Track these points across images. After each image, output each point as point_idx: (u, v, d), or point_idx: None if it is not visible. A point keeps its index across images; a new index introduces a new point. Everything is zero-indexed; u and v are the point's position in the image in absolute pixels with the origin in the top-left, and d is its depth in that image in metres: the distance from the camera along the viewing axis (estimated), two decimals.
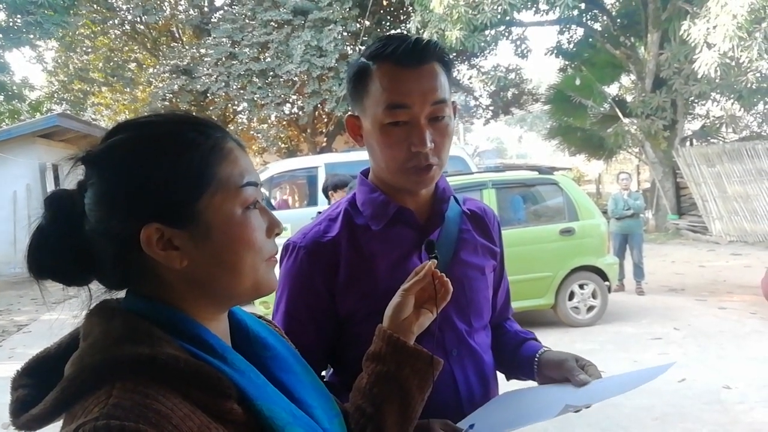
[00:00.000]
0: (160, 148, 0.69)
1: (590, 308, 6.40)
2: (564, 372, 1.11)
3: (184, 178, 0.68)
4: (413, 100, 1.04)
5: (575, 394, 1.06)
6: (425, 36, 12.41)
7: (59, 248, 0.68)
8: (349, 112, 1.16)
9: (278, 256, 0.78)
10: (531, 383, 1.22)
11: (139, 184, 0.67)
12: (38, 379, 0.67)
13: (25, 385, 0.67)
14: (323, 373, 1.24)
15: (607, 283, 6.43)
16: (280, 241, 1.28)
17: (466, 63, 19.21)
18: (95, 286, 0.72)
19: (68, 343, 0.71)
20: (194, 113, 0.77)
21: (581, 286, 6.35)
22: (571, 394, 1.06)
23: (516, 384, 1.31)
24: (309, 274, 1.12)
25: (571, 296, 6.32)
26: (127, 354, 0.62)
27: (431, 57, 1.07)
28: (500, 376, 1.31)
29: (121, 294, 0.74)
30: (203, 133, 0.71)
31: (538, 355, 1.20)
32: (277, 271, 0.80)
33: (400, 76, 1.05)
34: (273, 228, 0.76)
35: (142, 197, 0.67)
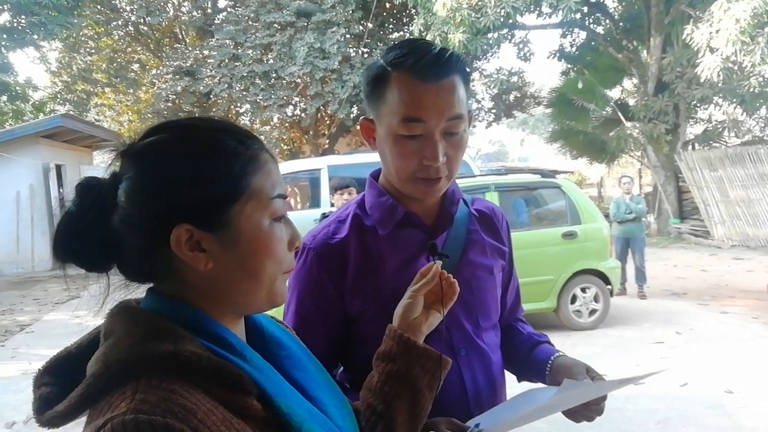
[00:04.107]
0: (202, 152, 0.70)
1: (592, 312, 6.41)
2: (572, 376, 1.13)
3: (221, 184, 0.70)
4: (429, 115, 1.04)
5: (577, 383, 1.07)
6: (428, 39, 12.38)
7: (86, 234, 0.69)
8: (364, 115, 1.17)
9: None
10: (542, 385, 1.22)
11: (177, 184, 0.68)
12: (60, 378, 0.69)
13: (47, 383, 0.68)
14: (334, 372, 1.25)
15: (609, 286, 6.42)
16: None
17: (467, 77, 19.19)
18: (114, 278, 0.73)
19: (88, 343, 0.72)
20: (233, 122, 0.78)
21: (583, 290, 6.35)
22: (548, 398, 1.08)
23: (527, 385, 1.32)
24: (318, 276, 1.14)
25: (574, 300, 6.33)
26: (151, 351, 0.63)
27: (452, 70, 1.05)
28: (509, 377, 1.31)
29: (139, 291, 0.75)
30: (243, 143, 0.73)
31: (551, 360, 1.21)
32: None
33: (419, 90, 1.04)
34: (294, 241, 0.78)
35: (179, 197, 0.68)
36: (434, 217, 1.20)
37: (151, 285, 0.74)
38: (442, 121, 1.05)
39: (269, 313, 0.91)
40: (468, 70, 1.11)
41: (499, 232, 1.29)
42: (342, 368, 1.24)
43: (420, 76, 1.03)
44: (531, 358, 1.26)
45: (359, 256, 1.14)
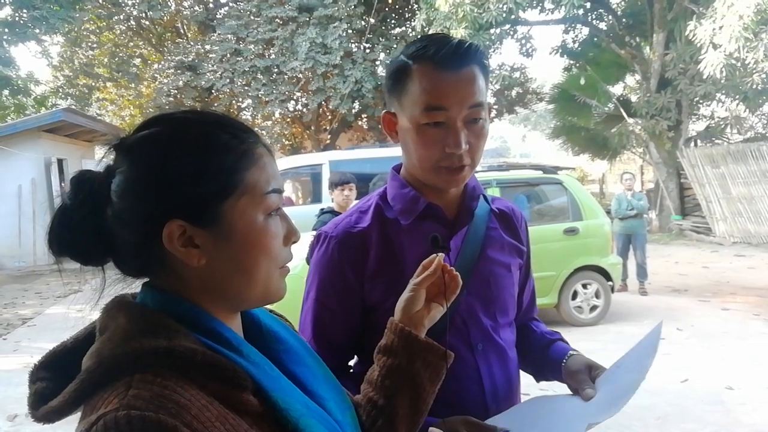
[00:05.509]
0: (194, 146, 0.70)
1: (593, 308, 6.41)
2: (576, 383, 1.14)
3: (213, 179, 0.69)
4: (451, 103, 1.06)
5: (596, 409, 1.05)
6: (447, 34, 12.34)
7: (80, 228, 0.68)
8: (386, 109, 1.18)
9: (290, 265, 0.79)
10: (558, 385, 1.23)
11: (169, 178, 0.67)
12: (55, 372, 0.68)
13: (42, 378, 0.68)
14: (350, 362, 1.26)
15: (610, 282, 6.43)
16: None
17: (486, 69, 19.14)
18: (111, 272, 0.73)
19: (84, 338, 0.72)
20: (228, 115, 0.77)
21: (584, 286, 6.36)
22: (593, 409, 1.06)
23: (543, 385, 1.33)
24: (339, 264, 1.15)
25: (575, 296, 6.34)
26: (145, 347, 0.63)
27: (471, 60, 1.08)
28: (525, 377, 1.31)
29: (135, 285, 0.75)
30: (237, 137, 0.72)
31: (565, 359, 1.21)
32: (295, 270, 0.81)
33: (439, 79, 1.06)
34: (290, 236, 0.77)
35: (171, 192, 0.67)
36: (455, 211, 1.21)
37: (146, 279, 0.74)
38: (463, 108, 1.07)
39: (269, 307, 0.91)
40: (486, 62, 1.12)
41: (518, 231, 1.31)
42: (358, 358, 1.25)
43: (441, 66, 1.06)
44: (547, 357, 1.27)
45: (380, 246, 1.16)
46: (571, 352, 1.24)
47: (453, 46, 1.07)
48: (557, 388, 1.24)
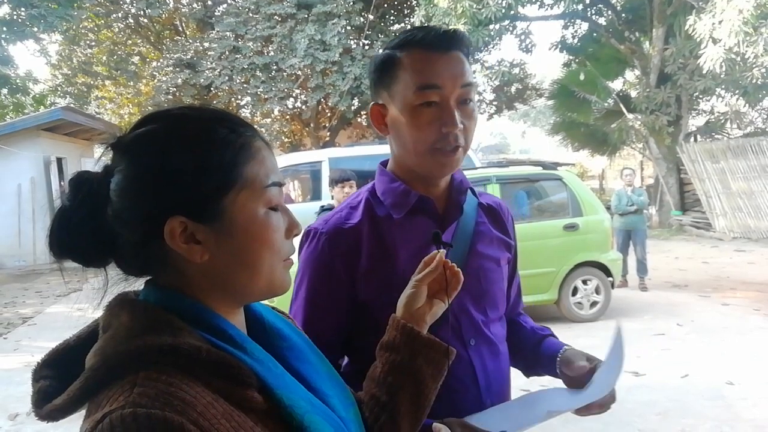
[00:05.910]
0: (191, 142, 0.69)
1: (593, 304, 6.42)
2: (573, 372, 1.15)
3: (212, 175, 0.69)
4: (444, 81, 1.08)
5: (563, 400, 1.08)
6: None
7: (80, 229, 0.68)
8: (366, 107, 1.18)
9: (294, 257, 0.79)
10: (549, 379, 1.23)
11: (167, 176, 0.67)
12: (59, 371, 0.68)
13: (46, 377, 0.67)
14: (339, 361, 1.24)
15: (610, 278, 6.44)
16: None
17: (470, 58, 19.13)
18: (113, 272, 0.73)
19: (87, 336, 0.72)
20: (225, 110, 0.77)
21: (584, 282, 6.36)
22: (559, 399, 1.08)
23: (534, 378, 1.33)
24: (330, 260, 1.14)
25: (575, 292, 6.34)
26: (149, 344, 0.62)
27: (458, 45, 1.10)
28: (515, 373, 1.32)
29: (138, 284, 0.74)
30: (234, 131, 0.72)
31: (560, 355, 1.21)
32: (293, 268, 0.81)
33: (431, 59, 1.08)
34: (292, 229, 0.77)
35: (170, 189, 0.67)
36: (444, 205, 1.21)
37: (149, 278, 0.74)
38: (456, 88, 1.08)
39: (270, 303, 0.91)
40: (469, 54, 1.14)
41: (506, 225, 1.31)
42: (347, 359, 1.23)
43: (431, 48, 1.09)
44: (539, 354, 1.27)
45: (372, 243, 1.15)
46: (565, 347, 1.24)
47: (440, 31, 1.10)
48: (545, 381, 1.25)
